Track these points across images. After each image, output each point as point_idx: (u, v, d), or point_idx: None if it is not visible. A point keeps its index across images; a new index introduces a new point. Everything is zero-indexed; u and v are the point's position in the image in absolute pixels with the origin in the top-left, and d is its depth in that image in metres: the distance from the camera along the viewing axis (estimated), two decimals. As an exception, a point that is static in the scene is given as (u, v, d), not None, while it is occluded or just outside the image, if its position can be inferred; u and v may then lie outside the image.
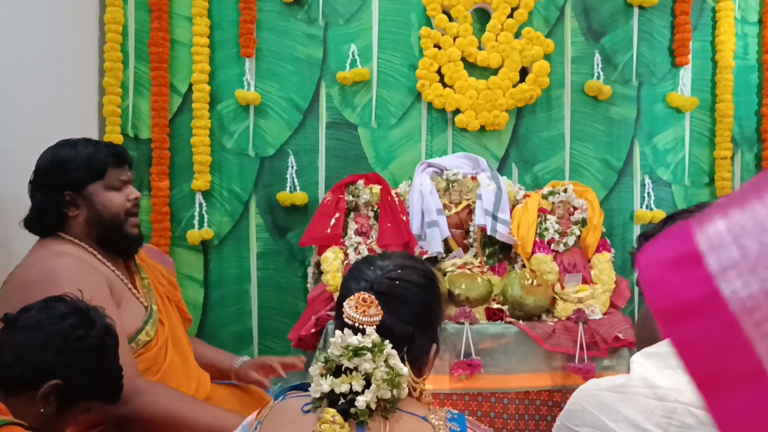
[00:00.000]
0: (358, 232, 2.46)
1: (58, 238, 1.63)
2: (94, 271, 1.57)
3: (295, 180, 2.65)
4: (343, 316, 1.03)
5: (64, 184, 1.61)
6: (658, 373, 0.90)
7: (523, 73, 2.67)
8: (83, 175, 1.62)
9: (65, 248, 1.60)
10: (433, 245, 2.41)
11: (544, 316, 2.29)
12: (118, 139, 2.54)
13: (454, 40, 2.63)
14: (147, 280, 1.78)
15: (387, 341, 1.01)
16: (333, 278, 2.30)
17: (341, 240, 2.44)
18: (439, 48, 2.63)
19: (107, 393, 1.32)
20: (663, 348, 0.94)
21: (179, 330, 1.83)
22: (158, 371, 1.63)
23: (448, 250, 2.49)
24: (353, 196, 2.49)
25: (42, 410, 1.22)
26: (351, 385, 0.99)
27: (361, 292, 1.05)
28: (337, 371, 1.01)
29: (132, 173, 1.76)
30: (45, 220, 1.62)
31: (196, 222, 2.63)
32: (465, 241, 2.53)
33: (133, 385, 1.49)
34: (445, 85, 2.64)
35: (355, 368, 0.99)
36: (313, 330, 2.24)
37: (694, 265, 0.50)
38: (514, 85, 2.65)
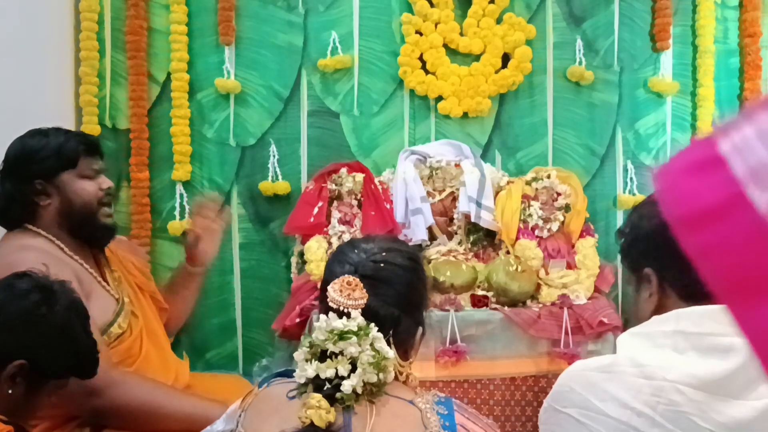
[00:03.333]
0: (341, 221, 2.45)
1: (26, 231, 1.59)
2: (60, 264, 1.53)
3: (277, 169, 2.62)
4: (328, 300, 1.02)
5: (34, 173, 1.58)
6: (645, 352, 0.90)
7: (505, 59, 2.65)
8: (55, 163, 1.60)
9: (31, 241, 1.56)
10: (417, 233, 2.40)
11: (528, 302, 2.29)
12: (95, 129, 2.50)
13: (436, 26, 2.61)
14: (117, 272, 1.75)
15: (372, 324, 1.00)
16: (317, 267, 2.27)
17: (325, 229, 2.42)
18: (421, 34, 2.61)
19: (81, 368, 1.28)
20: (650, 327, 0.94)
21: (154, 322, 1.81)
22: (133, 363, 1.61)
23: (432, 237, 2.49)
24: (336, 184, 2.47)
25: (10, 391, 1.19)
26: (336, 370, 0.98)
27: (346, 276, 1.03)
28: (322, 356, 1.00)
29: (104, 163, 1.73)
30: (14, 211, 1.59)
31: (177, 213, 2.59)
32: (449, 229, 2.52)
33: (107, 377, 1.46)
34: (427, 72, 2.61)
35: (341, 352, 0.98)
36: (297, 319, 2.21)
37: (716, 169, 0.47)
38: (497, 72, 2.63)
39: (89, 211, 1.64)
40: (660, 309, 0.95)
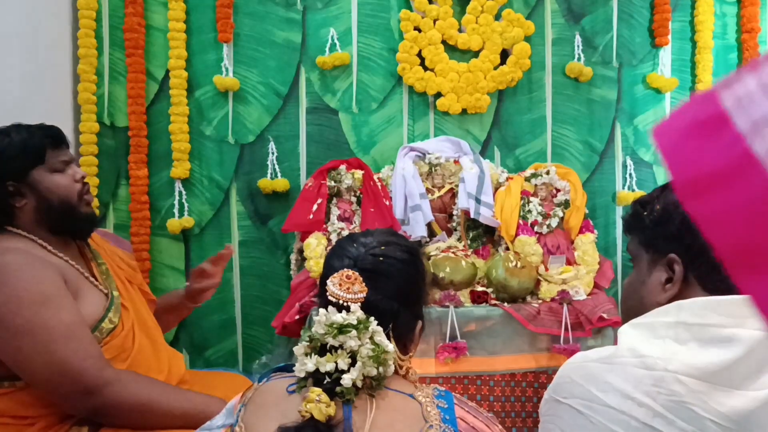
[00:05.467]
0: (340, 218, 2.44)
1: (6, 233, 1.56)
2: (45, 264, 1.50)
3: (276, 167, 2.62)
4: (327, 294, 1.01)
5: (4, 175, 1.54)
6: (646, 342, 0.89)
7: (504, 55, 2.65)
8: (22, 161, 1.55)
9: (12, 243, 1.53)
10: (416, 229, 2.40)
11: (528, 298, 2.28)
12: (94, 127, 2.50)
13: (434, 22, 2.61)
14: (104, 265, 1.72)
15: (372, 318, 1.00)
16: (316, 264, 2.27)
17: (324, 226, 2.42)
18: (419, 31, 2.61)
19: None
20: (651, 318, 0.93)
21: (145, 313, 1.78)
22: (127, 357, 1.58)
23: (431, 234, 2.49)
24: (335, 181, 2.46)
25: None
26: (336, 364, 0.97)
27: (345, 270, 1.03)
28: (321, 350, 1.00)
29: (70, 153, 1.70)
30: None
31: (176, 210, 2.59)
32: (448, 225, 2.52)
33: (101, 376, 1.44)
34: (426, 69, 2.62)
35: (340, 346, 0.98)
36: (297, 316, 2.21)
37: (721, 127, 0.44)
38: (495, 68, 2.63)
39: (69, 206, 1.60)
40: (678, 299, 0.93)
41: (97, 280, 1.64)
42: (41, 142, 1.59)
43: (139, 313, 1.73)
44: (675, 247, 0.95)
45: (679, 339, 0.87)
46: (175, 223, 2.57)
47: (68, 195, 1.61)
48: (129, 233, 2.53)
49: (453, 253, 2.39)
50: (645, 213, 1.01)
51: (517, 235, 2.40)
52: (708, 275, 0.92)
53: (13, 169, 1.55)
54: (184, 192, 2.60)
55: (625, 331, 0.93)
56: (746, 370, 0.82)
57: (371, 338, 0.98)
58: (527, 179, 2.51)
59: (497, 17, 2.63)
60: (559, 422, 0.94)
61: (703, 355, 0.84)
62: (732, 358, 0.83)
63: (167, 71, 2.57)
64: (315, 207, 2.41)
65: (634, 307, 1.01)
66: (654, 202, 1.00)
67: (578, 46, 2.69)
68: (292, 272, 2.52)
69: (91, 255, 1.71)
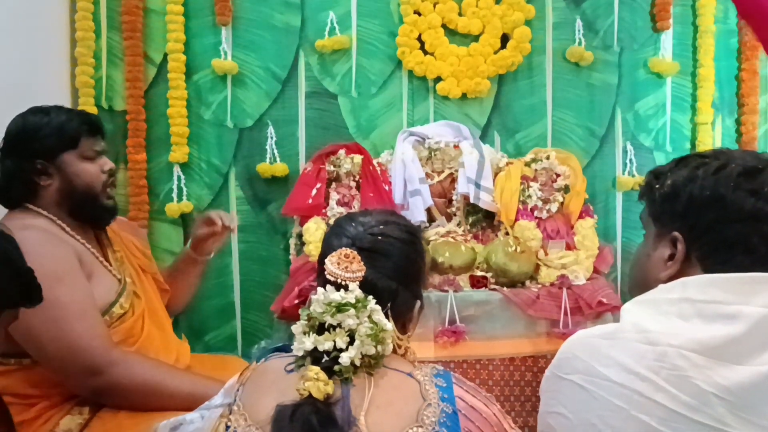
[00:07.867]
0: (340, 203, 2.43)
1: (26, 210, 1.58)
2: (61, 243, 1.53)
3: (275, 151, 2.61)
4: (325, 272, 1.01)
5: (35, 152, 1.57)
6: (650, 318, 0.89)
7: (504, 39, 2.63)
8: (55, 142, 1.58)
9: (31, 221, 1.55)
10: (416, 214, 2.39)
11: (528, 283, 2.28)
12: (92, 110, 2.47)
13: (434, 6, 2.58)
14: (119, 253, 1.74)
15: (370, 297, 0.99)
16: (315, 249, 2.26)
17: (323, 210, 2.41)
18: (419, 14, 2.59)
19: (27, 294, 1.21)
20: (655, 295, 0.93)
21: (156, 303, 1.80)
22: (135, 343, 1.60)
23: (431, 219, 2.48)
24: (334, 166, 2.45)
25: None
26: (335, 342, 0.97)
27: (343, 248, 1.03)
28: (320, 328, 0.99)
29: (105, 144, 1.72)
30: (14, 190, 1.58)
31: (174, 195, 2.57)
32: (448, 210, 2.51)
33: (107, 356, 1.45)
34: (425, 53, 2.60)
35: (339, 325, 0.98)
36: (296, 301, 2.21)
37: None
38: (496, 52, 2.61)
39: (92, 194, 1.62)
40: (678, 277, 0.93)
41: (111, 265, 1.66)
42: (78, 128, 1.62)
43: (151, 302, 1.74)
44: (679, 225, 0.95)
45: (683, 315, 0.87)
46: (173, 208, 2.56)
47: (93, 183, 1.63)
48: (127, 218, 2.52)
49: (452, 237, 2.39)
50: (657, 186, 1.00)
51: (516, 219, 2.39)
52: (709, 257, 0.92)
53: (45, 148, 1.58)
54: (182, 176, 2.58)
55: (629, 308, 0.93)
56: (750, 346, 0.82)
57: (370, 317, 0.98)
58: (527, 164, 2.50)
59: (498, 1, 2.61)
60: (561, 398, 0.93)
61: (707, 331, 0.84)
62: (735, 333, 0.82)
63: (165, 55, 2.55)
64: (314, 191, 2.41)
65: (637, 278, 1.01)
66: (666, 176, 0.99)
67: (579, 31, 2.67)
68: (291, 257, 2.52)
69: (108, 241, 1.73)
